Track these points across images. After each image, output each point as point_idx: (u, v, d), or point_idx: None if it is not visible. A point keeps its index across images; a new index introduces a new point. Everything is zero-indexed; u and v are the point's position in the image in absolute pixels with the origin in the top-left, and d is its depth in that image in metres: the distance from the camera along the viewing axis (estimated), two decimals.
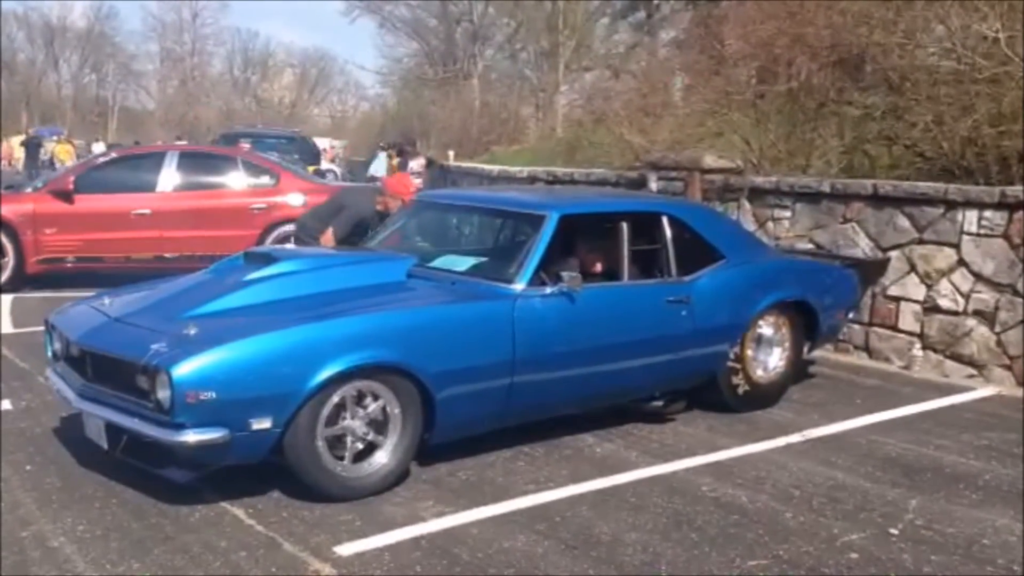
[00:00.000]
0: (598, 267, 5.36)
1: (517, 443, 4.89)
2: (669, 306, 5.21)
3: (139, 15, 79.83)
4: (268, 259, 4.89)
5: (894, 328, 7.01)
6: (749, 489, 4.44)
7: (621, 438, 5.15)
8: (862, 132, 8.45)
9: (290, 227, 9.59)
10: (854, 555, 3.76)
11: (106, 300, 4.79)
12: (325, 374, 3.98)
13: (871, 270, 6.82)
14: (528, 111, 27.99)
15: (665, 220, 5.40)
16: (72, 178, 9.75)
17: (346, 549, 3.70)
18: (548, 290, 4.75)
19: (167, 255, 9.44)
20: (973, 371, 6.56)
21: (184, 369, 3.78)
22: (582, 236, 5.39)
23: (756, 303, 5.61)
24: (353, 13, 39.52)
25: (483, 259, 5.28)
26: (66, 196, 9.47)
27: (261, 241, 9.53)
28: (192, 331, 4.02)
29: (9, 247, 9.27)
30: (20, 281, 9.31)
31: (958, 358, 6.64)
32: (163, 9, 64.32)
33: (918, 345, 6.87)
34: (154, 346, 3.94)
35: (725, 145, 9.48)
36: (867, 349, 7.19)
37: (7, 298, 8.83)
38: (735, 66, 10.85)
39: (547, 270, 4.86)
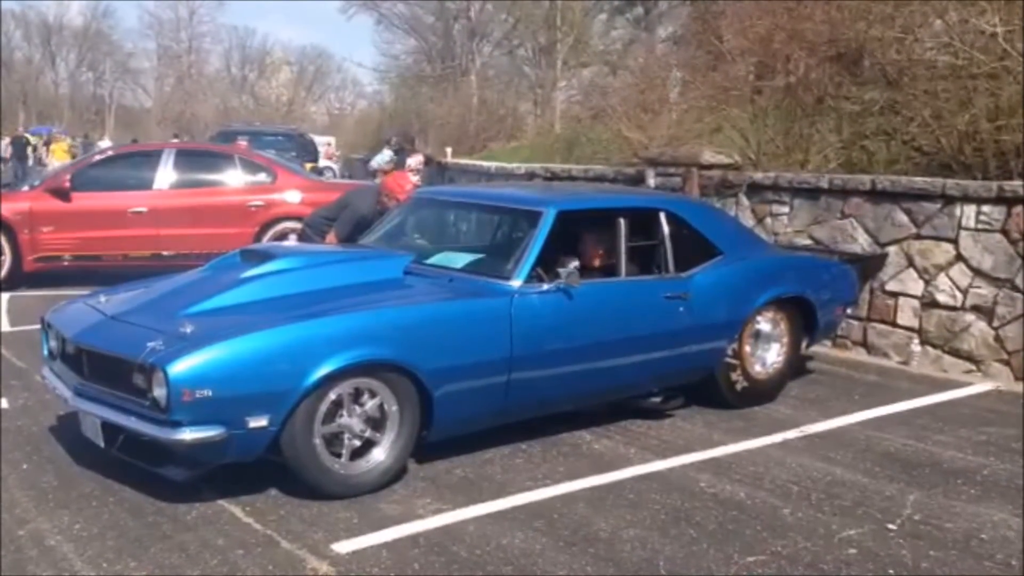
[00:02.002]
0: (596, 263, 5.35)
1: (515, 440, 4.89)
2: (667, 302, 5.20)
3: (136, 13, 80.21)
4: (265, 256, 4.89)
5: (892, 324, 7.01)
6: (747, 485, 4.44)
7: (619, 434, 5.15)
8: (860, 127, 8.43)
9: (287, 224, 9.61)
10: (852, 551, 3.76)
11: (102, 298, 4.79)
12: (322, 371, 3.98)
13: (869, 265, 6.82)
14: (526, 108, 27.97)
15: (663, 216, 5.39)
16: (69, 176, 9.74)
17: (344, 547, 3.70)
18: (545, 286, 4.74)
19: (164, 253, 9.43)
20: (971, 366, 6.56)
21: (180, 367, 3.77)
22: (580, 232, 5.38)
23: (754, 299, 5.60)
24: (350, 10, 39.41)
25: (480, 256, 5.27)
26: (63, 194, 9.47)
27: (258, 238, 9.52)
28: (188, 329, 4.01)
29: (6, 245, 9.27)
30: (17, 279, 9.30)
31: (956, 353, 6.64)
32: (160, 7, 64.23)
33: (916, 340, 6.87)
34: (150, 344, 3.93)
35: (723, 141, 9.45)
36: (865, 345, 7.19)
37: (4, 296, 8.83)
38: (733, 62, 10.83)
39: (545, 266, 4.85)
